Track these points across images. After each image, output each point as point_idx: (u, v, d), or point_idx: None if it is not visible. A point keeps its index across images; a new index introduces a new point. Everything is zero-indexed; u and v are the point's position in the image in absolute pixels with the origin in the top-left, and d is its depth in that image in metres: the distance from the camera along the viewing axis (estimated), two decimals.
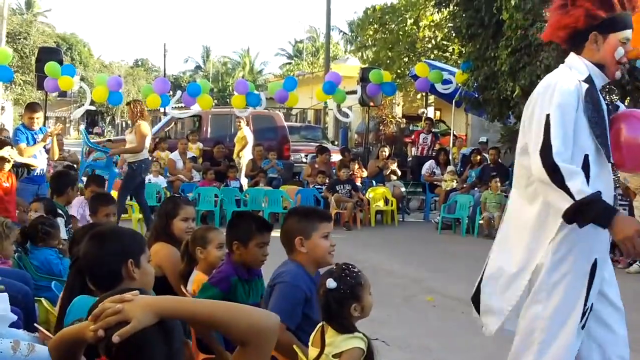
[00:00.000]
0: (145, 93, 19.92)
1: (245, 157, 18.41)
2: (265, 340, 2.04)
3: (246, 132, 18.92)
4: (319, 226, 4.33)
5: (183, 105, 20.89)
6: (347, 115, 21.86)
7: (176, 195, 11.78)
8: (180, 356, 2.05)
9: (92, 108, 27.09)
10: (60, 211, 7.59)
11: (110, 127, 63.74)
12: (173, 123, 21.76)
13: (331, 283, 3.74)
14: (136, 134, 12.63)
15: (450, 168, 17.66)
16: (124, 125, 60.53)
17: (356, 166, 17.70)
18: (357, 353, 3.71)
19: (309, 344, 3.84)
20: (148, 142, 13.01)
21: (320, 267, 4.32)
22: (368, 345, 3.75)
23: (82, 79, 21.49)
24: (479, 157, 17.13)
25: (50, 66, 17.20)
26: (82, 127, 59.41)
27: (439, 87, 19.51)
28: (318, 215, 4.49)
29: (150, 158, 13.53)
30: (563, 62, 4.76)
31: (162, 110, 24.80)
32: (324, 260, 4.33)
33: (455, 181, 17.00)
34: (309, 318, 4.15)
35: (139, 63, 77.97)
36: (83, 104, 21.91)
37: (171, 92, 21.51)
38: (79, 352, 2.16)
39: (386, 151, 18.54)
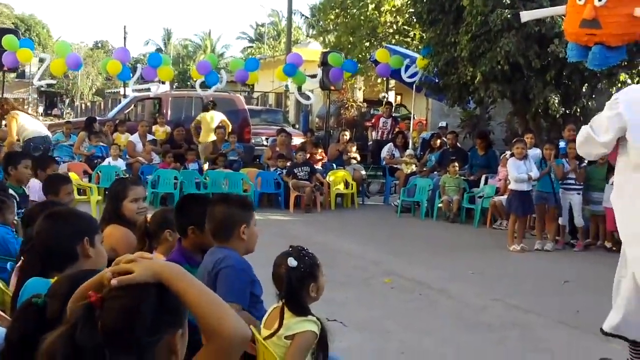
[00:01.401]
0: (104, 63, 19.93)
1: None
2: (224, 346, 2.10)
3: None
4: (253, 215, 4.36)
5: (143, 79, 20.77)
6: (308, 98, 21.89)
7: (129, 177, 11.73)
8: (164, 335, 2.06)
9: (52, 82, 26.65)
10: (12, 191, 7.48)
11: (69, 109, 62.95)
12: (133, 105, 21.58)
13: (292, 262, 3.77)
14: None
15: (408, 151, 17.74)
16: (83, 107, 59.93)
17: (319, 150, 17.72)
18: (310, 336, 3.74)
19: (262, 325, 3.86)
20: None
21: (246, 254, 4.33)
22: (322, 329, 3.78)
23: (41, 60, 21.15)
24: (438, 142, 17.23)
25: (8, 39, 17.01)
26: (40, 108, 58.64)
27: (405, 76, 19.56)
28: (250, 204, 4.54)
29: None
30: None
31: (121, 92, 24.65)
32: (253, 248, 4.35)
33: (414, 165, 17.10)
34: (255, 296, 4.17)
35: (99, 45, 77.13)
36: (42, 86, 21.69)
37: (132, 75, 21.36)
38: None
39: (347, 135, 18.57)
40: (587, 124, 5.65)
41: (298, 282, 3.76)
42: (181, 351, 2.13)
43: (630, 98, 5.30)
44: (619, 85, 15.28)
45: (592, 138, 5.47)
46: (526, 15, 9.48)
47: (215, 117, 18.31)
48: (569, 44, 8.21)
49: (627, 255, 5.35)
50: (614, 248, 11.21)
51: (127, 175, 15.60)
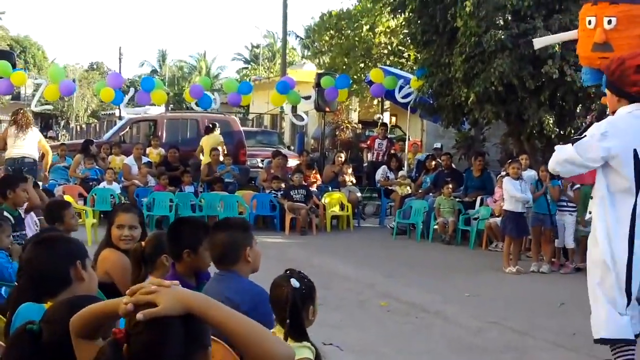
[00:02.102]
0: (98, 88, 19.99)
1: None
2: None
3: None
4: (253, 235, 4.37)
5: (137, 104, 20.84)
6: (301, 119, 21.92)
7: (124, 202, 11.71)
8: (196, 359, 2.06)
9: (49, 107, 26.68)
10: (7, 214, 7.45)
11: (64, 130, 62.95)
12: (128, 127, 21.59)
13: (295, 282, 3.76)
14: None
15: (401, 173, 17.72)
16: (78, 129, 59.92)
17: (313, 172, 17.71)
18: None
19: None
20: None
21: (252, 274, 4.33)
22: (316, 355, 3.76)
23: (37, 85, 21.21)
24: (433, 163, 17.24)
25: (1, 65, 17.02)
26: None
27: (399, 97, 19.63)
28: (249, 225, 4.58)
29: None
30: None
31: (117, 114, 24.70)
32: (259, 267, 4.34)
33: (409, 186, 17.10)
34: None
35: (94, 66, 77.24)
36: (37, 106, 21.70)
37: (129, 103, 21.44)
38: (105, 326, 2.22)
39: (342, 156, 18.58)
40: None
41: (301, 304, 3.75)
42: None
43: (620, 134, 5.77)
44: None
45: (576, 158, 5.89)
46: (539, 42, 9.56)
47: (215, 140, 18.42)
48: (583, 68, 8.24)
49: (615, 256, 5.82)
50: None
51: (123, 198, 15.59)
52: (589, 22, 7.63)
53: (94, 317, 2.19)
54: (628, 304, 5.82)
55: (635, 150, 5.74)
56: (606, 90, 6.22)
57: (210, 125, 18.89)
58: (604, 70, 6.44)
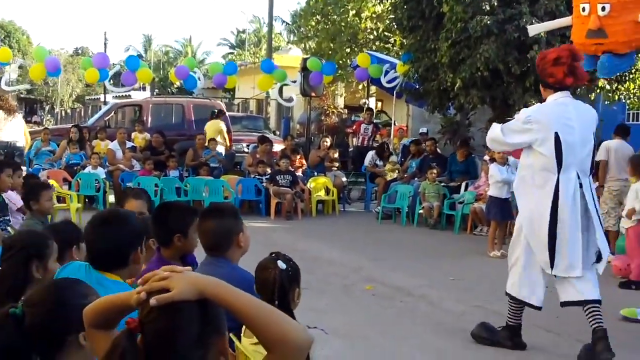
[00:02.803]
0: (84, 65, 19.91)
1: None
2: (290, 354, 2.03)
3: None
4: (242, 220, 4.41)
5: (123, 90, 20.75)
6: (290, 100, 21.92)
7: (135, 187, 11.66)
8: (211, 346, 2.03)
9: (25, 87, 26.54)
10: None
11: (49, 115, 62.63)
12: (113, 112, 21.50)
13: (282, 264, 3.78)
14: None
15: (392, 159, 17.74)
16: (63, 114, 59.64)
17: (298, 156, 17.70)
18: None
19: (242, 334, 3.83)
20: None
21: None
22: None
23: (20, 67, 21.11)
24: (417, 148, 17.24)
25: None
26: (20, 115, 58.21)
27: (384, 81, 19.65)
28: (238, 210, 4.62)
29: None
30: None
31: (102, 99, 24.60)
32: (248, 248, 4.39)
33: (397, 172, 17.13)
34: None
35: (79, 51, 76.81)
36: (21, 92, 21.64)
37: (111, 81, 21.31)
38: (119, 317, 2.18)
39: (328, 141, 18.58)
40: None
41: (288, 285, 3.76)
42: (227, 350, 2.10)
43: (543, 119, 6.63)
44: (598, 91, 15.42)
45: (500, 137, 6.82)
46: (534, 29, 9.60)
47: (216, 127, 18.71)
48: None
49: (523, 228, 6.77)
50: None
51: (107, 183, 15.57)
52: (583, 9, 7.68)
53: (106, 309, 2.17)
54: (551, 266, 6.66)
55: (556, 133, 6.53)
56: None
57: (215, 111, 18.96)
58: (536, 63, 7.10)
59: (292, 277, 3.82)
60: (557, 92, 6.73)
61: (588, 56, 7.88)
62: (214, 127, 18.76)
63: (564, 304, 6.87)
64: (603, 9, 7.48)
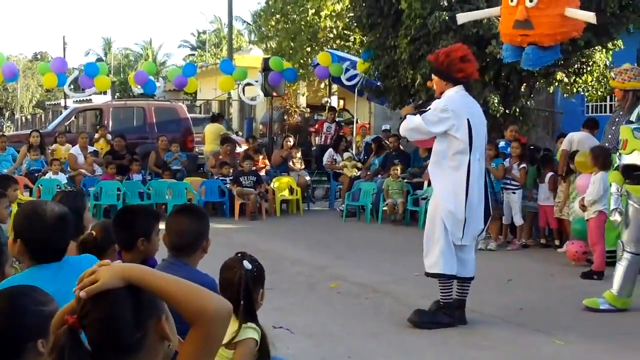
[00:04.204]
0: (41, 71, 19.73)
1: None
2: (210, 324, 2.12)
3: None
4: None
5: (83, 95, 20.59)
6: (255, 99, 21.93)
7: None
8: (149, 329, 2.10)
9: None
10: None
11: (9, 122, 61.99)
12: (73, 117, 21.30)
13: (248, 264, 3.77)
14: None
15: (347, 154, 17.71)
16: (23, 120, 59.02)
17: (260, 157, 17.68)
18: (252, 344, 3.73)
19: None
20: None
21: None
22: (262, 335, 3.77)
23: None
24: (377, 145, 17.27)
25: None
26: None
27: (343, 78, 19.70)
28: (207, 213, 4.58)
29: None
30: None
31: (62, 104, 24.37)
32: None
33: (356, 167, 17.13)
34: None
35: (38, 56, 76.08)
36: None
37: (71, 86, 21.11)
38: None
39: (291, 141, 18.55)
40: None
41: (253, 286, 3.77)
42: (171, 333, 2.16)
43: (456, 108, 7.29)
44: (556, 84, 15.59)
45: (422, 127, 7.37)
46: (462, 17, 9.66)
47: (217, 130, 19.14)
48: (504, 45, 8.45)
49: (440, 208, 7.36)
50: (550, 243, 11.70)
51: (70, 189, 15.41)
52: (512, 0, 7.79)
53: (62, 318, 2.19)
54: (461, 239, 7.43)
55: (468, 120, 7.28)
56: (433, 75, 7.69)
57: (215, 114, 19.03)
58: (432, 59, 7.77)
59: (257, 277, 3.82)
60: (456, 86, 7.43)
61: (513, 47, 8.07)
62: (214, 130, 19.05)
63: (435, 276, 7.56)
64: (531, 0, 7.61)
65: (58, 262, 3.57)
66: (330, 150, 18.08)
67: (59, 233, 3.63)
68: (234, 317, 3.69)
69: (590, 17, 7.79)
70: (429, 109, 7.42)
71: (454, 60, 7.41)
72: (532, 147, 13.60)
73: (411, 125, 7.45)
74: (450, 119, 7.29)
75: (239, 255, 3.90)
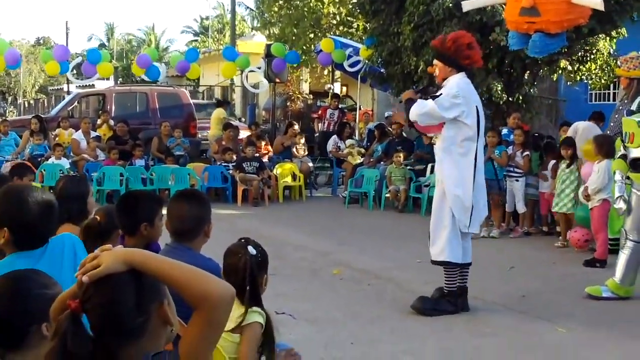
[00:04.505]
0: (44, 58, 19.72)
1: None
2: (213, 309, 2.12)
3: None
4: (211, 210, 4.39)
5: (84, 75, 20.57)
6: (258, 86, 21.90)
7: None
8: (151, 313, 2.11)
9: None
10: None
11: (12, 107, 61.93)
12: (76, 102, 21.29)
13: (252, 250, 3.78)
14: None
15: (349, 141, 17.67)
16: (26, 105, 58.98)
17: (263, 143, 17.68)
18: (258, 328, 3.74)
19: None
20: None
21: None
22: (267, 320, 3.78)
23: None
24: (380, 132, 17.24)
25: None
26: None
27: (346, 65, 19.68)
28: (208, 198, 4.60)
29: None
30: None
31: (65, 89, 24.36)
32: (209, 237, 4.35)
33: (360, 154, 17.12)
34: None
35: (41, 41, 75.95)
36: None
37: (74, 71, 21.12)
38: None
39: (296, 127, 18.51)
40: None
41: (258, 271, 3.78)
42: (173, 318, 2.17)
43: (465, 94, 7.32)
44: (560, 72, 15.55)
45: (435, 112, 7.28)
46: (467, 5, 9.63)
47: (217, 115, 19.36)
48: (510, 32, 8.43)
49: (448, 195, 7.35)
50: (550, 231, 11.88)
51: (73, 173, 15.42)
52: None
53: (64, 304, 2.20)
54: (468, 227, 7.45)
55: (476, 106, 7.40)
56: (436, 61, 7.56)
57: (220, 100, 19.09)
58: (437, 44, 7.61)
59: (261, 263, 3.84)
60: (460, 72, 7.41)
61: (519, 34, 8.04)
62: (216, 115, 19.32)
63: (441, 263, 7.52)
64: None
65: (40, 248, 3.53)
66: (335, 137, 18.06)
67: (44, 220, 3.55)
68: (239, 302, 3.71)
69: (597, 3, 7.76)
70: (439, 94, 7.35)
71: (461, 46, 7.38)
72: (536, 135, 13.57)
73: (423, 109, 7.36)
74: (461, 105, 7.29)
75: (243, 240, 3.91)
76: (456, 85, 7.36)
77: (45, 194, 3.75)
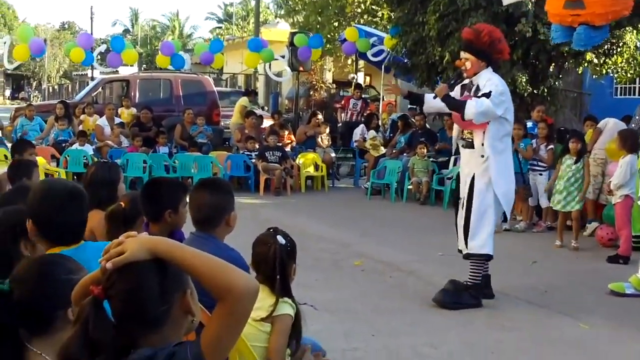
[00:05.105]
0: (68, 49, 19.88)
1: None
2: (236, 301, 2.11)
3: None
4: (234, 199, 4.36)
5: (109, 68, 20.73)
6: (281, 75, 21.90)
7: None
8: (174, 302, 2.13)
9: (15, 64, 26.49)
10: None
11: (37, 92, 62.33)
12: (100, 88, 21.38)
13: (281, 239, 3.79)
14: None
15: (372, 133, 17.59)
16: (50, 90, 59.33)
17: (286, 132, 17.68)
18: (288, 320, 3.75)
19: None
20: None
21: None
22: (296, 312, 3.79)
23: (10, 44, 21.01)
24: (403, 123, 17.18)
25: None
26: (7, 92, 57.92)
27: (370, 55, 19.62)
28: (232, 187, 4.55)
29: None
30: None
31: (89, 75, 24.47)
32: (233, 228, 4.29)
33: (380, 146, 17.04)
34: None
35: (66, 26, 76.38)
36: (8, 69, 21.60)
37: (99, 57, 21.24)
38: None
39: (320, 117, 18.47)
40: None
41: (287, 260, 3.80)
42: (195, 308, 2.19)
43: (505, 90, 7.45)
44: (585, 64, 15.43)
45: (491, 110, 7.25)
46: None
47: (240, 103, 19.63)
48: (553, 25, 8.36)
49: (496, 189, 7.41)
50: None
51: (96, 159, 15.49)
52: None
53: (86, 289, 2.21)
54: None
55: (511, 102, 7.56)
56: (467, 54, 7.46)
57: (248, 89, 19.22)
58: (471, 37, 7.49)
59: (290, 252, 3.85)
60: (489, 67, 7.48)
61: (563, 27, 7.96)
62: (239, 103, 19.55)
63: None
64: None
65: (75, 247, 3.49)
66: (362, 127, 17.97)
67: (70, 212, 3.53)
68: (269, 291, 3.73)
69: None
70: (489, 92, 7.29)
71: (495, 40, 7.41)
72: (562, 129, 13.48)
73: (480, 108, 7.23)
74: (505, 102, 7.40)
75: (272, 230, 3.91)
76: (499, 82, 7.44)
77: (72, 185, 3.76)
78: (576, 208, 10.56)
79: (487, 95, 7.26)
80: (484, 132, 7.44)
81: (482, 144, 7.45)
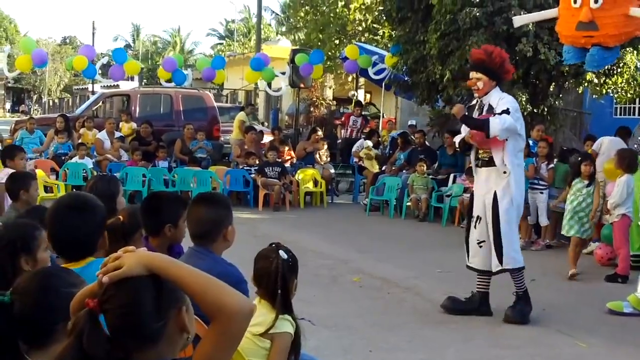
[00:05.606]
0: (69, 64, 20.02)
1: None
2: (228, 321, 2.13)
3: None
4: (232, 213, 4.36)
5: (111, 81, 20.79)
6: (279, 89, 21.94)
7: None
8: (170, 318, 2.12)
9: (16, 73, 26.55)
10: None
11: (37, 105, 62.42)
12: (101, 102, 21.42)
13: (284, 254, 3.79)
14: None
15: (367, 143, 17.59)
16: (50, 103, 59.41)
17: (286, 148, 17.71)
18: (288, 339, 3.75)
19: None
20: None
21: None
22: (296, 328, 3.78)
23: (9, 57, 21.10)
24: (403, 140, 17.21)
25: None
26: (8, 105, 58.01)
27: (371, 72, 19.67)
28: (230, 202, 4.54)
29: None
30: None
31: (90, 89, 24.52)
32: (232, 243, 4.28)
33: (375, 159, 17.05)
34: None
35: (67, 41, 76.57)
36: (9, 81, 21.63)
37: (100, 71, 21.28)
38: None
39: (319, 133, 18.52)
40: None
41: (289, 275, 3.79)
42: (190, 325, 2.17)
43: (518, 107, 7.74)
44: (585, 84, 15.46)
45: (515, 126, 7.46)
46: (519, 20, 9.64)
47: (238, 118, 19.63)
48: (565, 46, 8.38)
49: (515, 204, 7.62)
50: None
51: (95, 173, 15.49)
52: (574, 1, 7.74)
53: (83, 302, 2.21)
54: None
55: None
56: (479, 75, 7.58)
57: (247, 104, 19.24)
58: (484, 57, 7.63)
59: (292, 267, 3.84)
60: (497, 86, 7.68)
61: (576, 48, 7.95)
62: (237, 118, 19.57)
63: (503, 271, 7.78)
64: (596, 1, 7.54)
65: (82, 265, 3.51)
66: (362, 140, 18.05)
67: (79, 229, 3.58)
68: (270, 306, 3.72)
69: None
70: (507, 109, 7.48)
71: (505, 61, 7.67)
72: (565, 149, 13.52)
73: (504, 125, 7.35)
74: (520, 118, 7.67)
75: (274, 245, 3.91)
76: (512, 100, 7.74)
77: (87, 201, 3.80)
78: (588, 235, 10.27)
79: (507, 112, 7.42)
80: (502, 149, 7.57)
81: (503, 161, 7.60)
